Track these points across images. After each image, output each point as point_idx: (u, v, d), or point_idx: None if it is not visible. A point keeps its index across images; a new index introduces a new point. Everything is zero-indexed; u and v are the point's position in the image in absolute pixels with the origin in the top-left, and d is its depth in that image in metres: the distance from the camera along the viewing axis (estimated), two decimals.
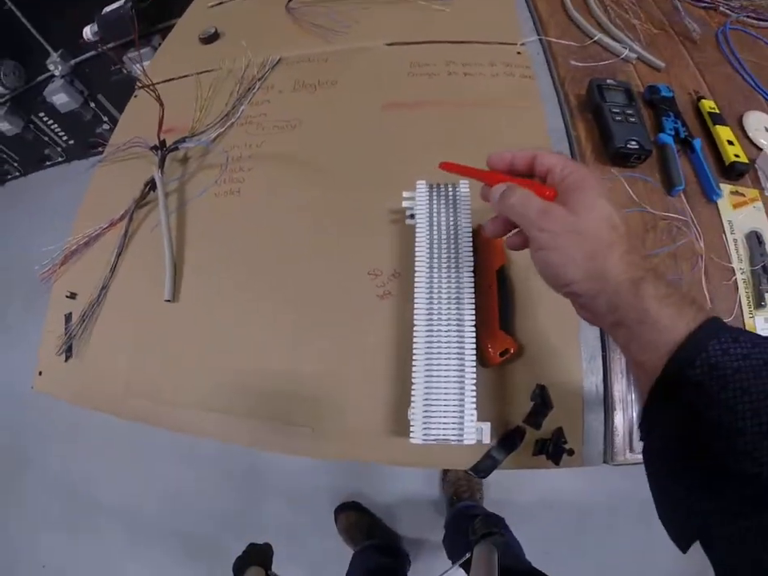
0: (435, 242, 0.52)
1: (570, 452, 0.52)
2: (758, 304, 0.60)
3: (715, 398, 0.29)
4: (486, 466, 0.51)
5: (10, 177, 2.46)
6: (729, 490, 0.28)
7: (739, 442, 0.28)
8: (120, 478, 1.66)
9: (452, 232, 0.52)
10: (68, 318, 0.68)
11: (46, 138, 2.19)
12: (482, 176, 0.44)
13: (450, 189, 0.55)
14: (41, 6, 1.67)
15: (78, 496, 1.68)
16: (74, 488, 1.69)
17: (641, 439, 0.36)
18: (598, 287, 0.35)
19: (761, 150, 0.71)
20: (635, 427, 0.53)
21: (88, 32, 1.59)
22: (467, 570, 0.79)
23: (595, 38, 0.79)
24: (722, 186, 0.66)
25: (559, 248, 0.36)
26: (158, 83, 0.84)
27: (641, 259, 0.35)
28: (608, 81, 0.70)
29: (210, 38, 0.92)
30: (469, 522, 1.12)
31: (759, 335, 0.32)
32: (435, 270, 0.50)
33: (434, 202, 0.54)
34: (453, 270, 0.50)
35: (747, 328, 0.58)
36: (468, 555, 0.78)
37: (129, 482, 1.65)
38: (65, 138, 2.18)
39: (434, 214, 0.53)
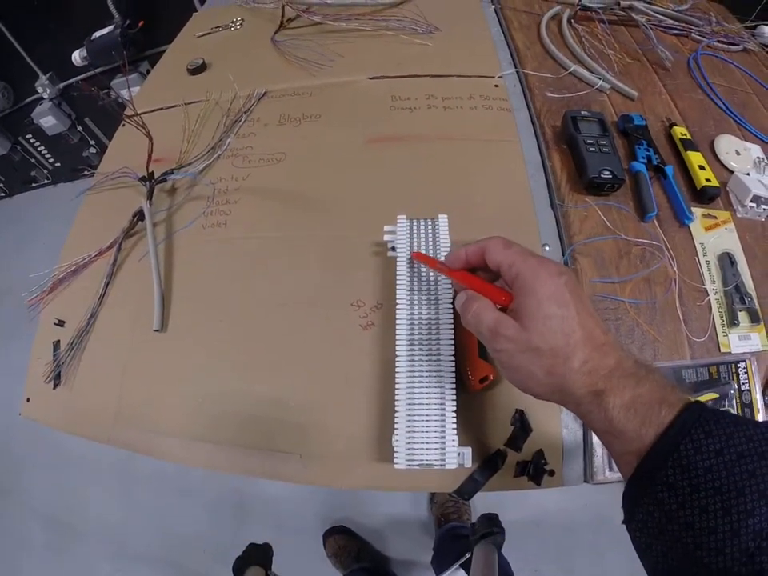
0: (415, 273, 0.53)
1: (551, 473, 0.53)
2: (731, 322, 0.61)
3: (687, 498, 0.29)
4: (469, 488, 0.52)
5: None
6: None
7: (711, 539, 0.28)
8: (105, 505, 1.64)
9: None
10: (56, 345, 0.68)
11: (33, 160, 2.19)
12: (447, 273, 0.46)
13: (430, 223, 0.57)
14: (31, 29, 1.69)
15: (61, 524, 1.65)
16: (57, 516, 1.67)
17: (623, 522, 0.35)
18: (563, 399, 0.36)
19: (731, 172, 0.74)
20: None
21: (77, 56, 1.61)
22: (467, 570, 0.79)
23: (570, 70, 0.82)
24: (694, 209, 0.67)
25: (517, 367, 0.37)
26: (145, 112, 0.87)
27: (602, 361, 0.35)
28: (582, 112, 0.72)
29: (198, 69, 0.93)
30: (457, 543, 1.12)
31: (736, 418, 0.31)
32: (416, 301, 0.52)
33: (414, 235, 0.56)
34: (432, 301, 0.52)
35: (721, 347, 0.60)
36: (468, 555, 0.78)
37: (114, 510, 1.63)
38: (51, 160, 2.19)
39: (415, 247, 0.55)
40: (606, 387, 0.34)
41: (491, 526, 0.81)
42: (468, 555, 0.79)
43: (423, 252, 0.55)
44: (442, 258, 0.51)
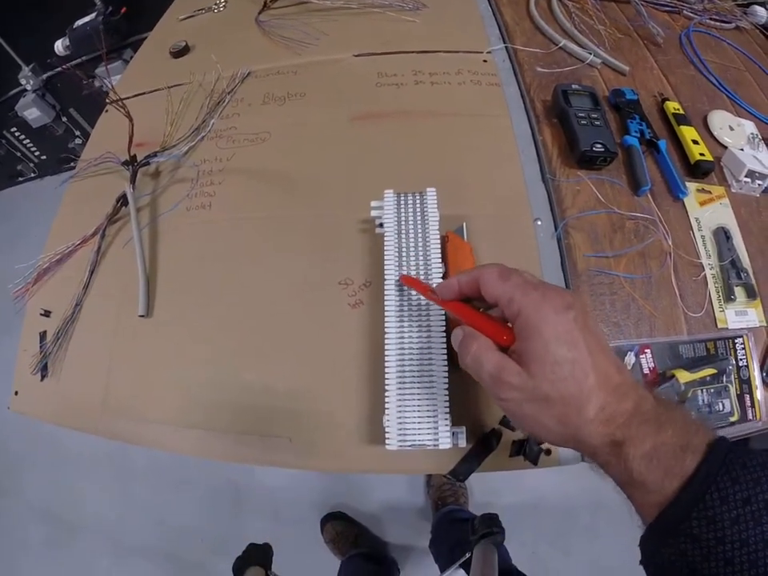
0: (404, 250, 0.52)
1: (547, 452, 0.52)
2: (728, 298, 0.61)
3: (712, 551, 0.28)
4: (463, 469, 0.52)
5: None
6: None
7: None
8: (101, 500, 1.64)
9: (420, 240, 0.52)
10: (42, 336, 0.67)
11: (19, 154, 2.16)
12: (440, 303, 0.42)
13: (418, 197, 0.55)
14: (12, 20, 1.66)
15: (59, 520, 1.64)
16: (54, 512, 1.66)
17: (640, 563, 0.33)
18: (577, 448, 0.34)
19: (725, 147, 0.74)
20: None
21: (59, 46, 1.58)
22: (467, 570, 0.79)
23: (560, 45, 0.81)
24: (688, 184, 0.67)
25: (525, 416, 0.34)
26: (129, 97, 0.85)
27: (620, 406, 0.32)
28: (573, 86, 0.71)
29: (181, 52, 0.92)
30: (455, 526, 1.12)
31: (764, 459, 0.29)
32: None
33: (402, 210, 0.55)
34: (422, 277, 0.51)
35: (718, 322, 0.60)
36: (468, 555, 0.78)
37: (111, 505, 1.63)
38: (37, 153, 2.16)
39: (402, 223, 0.54)
40: (625, 437, 0.31)
41: (491, 526, 0.80)
42: (468, 555, 0.79)
43: (411, 227, 0.53)
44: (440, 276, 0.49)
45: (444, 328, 0.49)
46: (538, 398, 0.32)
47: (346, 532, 1.41)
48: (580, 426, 0.32)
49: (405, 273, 0.51)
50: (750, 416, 0.58)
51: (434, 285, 0.47)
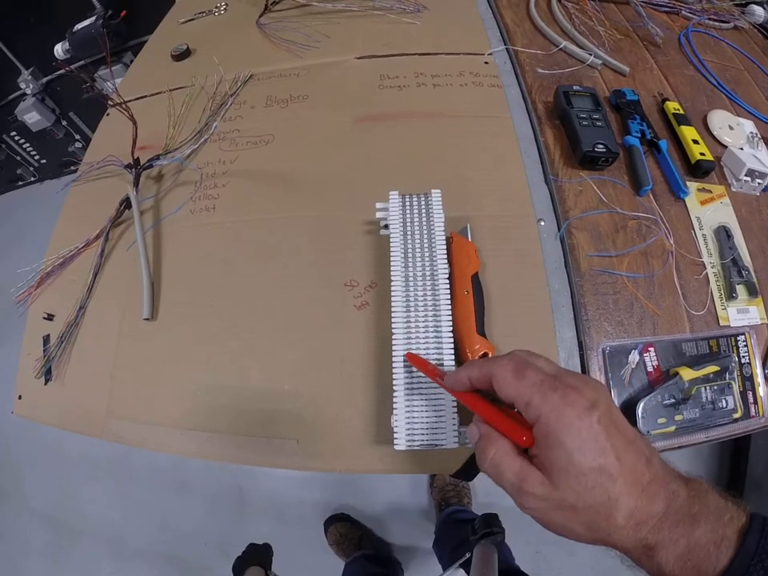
0: (410, 251, 0.53)
1: None
2: (730, 296, 0.62)
3: None
4: (470, 469, 0.52)
5: None
6: None
7: None
8: (103, 504, 1.63)
9: (426, 240, 0.53)
10: (46, 339, 0.67)
11: (18, 158, 2.16)
12: (450, 392, 0.40)
13: (423, 198, 0.56)
14: (11, 24, 1.65)
15: (61, 524, 1.64)
16: (56, 516, 1.65)
17: None
18: (608, 547, 0.33)
19: (725, 147, 0.74)
20: None
21: (59, 49, 1.58)
22: (467, 570, 0.79)
23: (561, 46, 0.81)
24: (688, 183, 0.67)
25: (551, 522, 0.32)
26: (130, 101, 0.85)
27: (650, 508, 0.30)
28: (574, 87, 0.72)
29: (182, 55, 0.92)
30: (458, 527, 1.12)
31: None
32: (411, 279, 0.51)
33: (407, 211, 0.55)
34: (428, 278, 0.51)
35: (720, 320, 0.60)
36: (468, 555, 0.78)
37: (113, 508, 1.62)
38: (37, 157, 2.16)
39: (408, 224, 0.54)
40: (658, 541, 0.30)
41: (491, 526, 0.80)
42: (468, 555, 0.79)
43: (417, 228, 0.54)
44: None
45: (451, 328, 0.49)
46: (564, 507, 0.31)
47: (350, 534, 1.41)
48: (610, 533, 0.31)
49: (411, 273, 0.51)
50: (752, 413, 0.58)
51: (446, 370, 0.46)
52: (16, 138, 2.04)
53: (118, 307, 0.66)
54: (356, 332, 0.57)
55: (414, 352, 0.48)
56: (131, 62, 1.63)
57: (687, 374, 0.55)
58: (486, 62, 0.79)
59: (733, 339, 0.60)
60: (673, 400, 0.55)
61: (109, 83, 0.91)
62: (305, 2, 0.91)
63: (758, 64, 0.93)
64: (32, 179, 2.29)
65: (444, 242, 0.53)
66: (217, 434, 0.57)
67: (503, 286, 0.58)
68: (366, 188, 0.66)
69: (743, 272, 0.63)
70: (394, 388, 0.48)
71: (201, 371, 0.60)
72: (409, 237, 0.53)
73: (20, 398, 0.66)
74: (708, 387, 0.57)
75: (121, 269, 0.68)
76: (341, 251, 0.62)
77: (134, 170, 0.72)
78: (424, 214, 0.54)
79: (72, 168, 2.14)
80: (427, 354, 0.48)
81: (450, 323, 0.49)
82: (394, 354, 0.49)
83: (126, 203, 0.71)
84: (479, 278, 0.56)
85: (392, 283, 0.51)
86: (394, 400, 0.48)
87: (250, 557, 0.84)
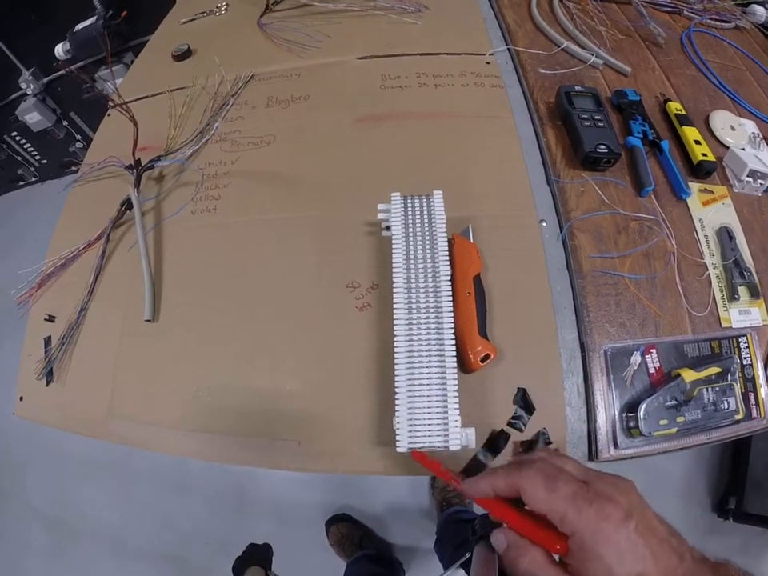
0: (411, 252, 0.53)
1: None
2: (732, 297, 0.62)
3: None
4: (472, 470, 0.52)
5: None
6: None
7: None
8: (104, 504, 1.63)
9: (428, 242, 0.53)
10: (47, 341, 0.67)
11: (19, 158, 2.16)
12: (472, 498, 0.38)
13: (425, 200, 0.56)
14: (12, 24, 1.65)
15: (61, 524, 1.64)
16: (57, 516, 1.65)
17: None
18: None
19: (727, 147, 0.74)
20: (618, 424, 0.54)
21: (60, 50, 1.58)
22: (467, 570, 0.79)
23: (562, 46, 0.81)
24: (690, 184, 0.68)
25: None
26: (131, 101, 0.85)
27: None
28: (576, 87, 0.72)
29: (183, 55, 0.92)
30: (460, 527, 1.12)
31: None
32: (413, 280, 0.51)
33: (409, 213, 0.55)
34: (430, 280, 0.51)
35: (722, 321, 0.61)
36: (468, 555, 0.78)
37: (113, 508, 1.62)
38: (38, 157, 2.16)
39: (410, 225, 0.54)
40: None
41: (491, 526, 0.80)
42: (468, 555, 0.78)
43: (419, 230, 0.54)
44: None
45: (453, 329, 0.49)
46: None
47: (351, 534, 1.41)
48: None
49: (413, 275, 0.51)
50: (754, 414, 0.58)
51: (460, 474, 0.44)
52: (17, 138, 2.04)
53: (119, 308, 0.66)
54: (358, 333, 0.57)
55: (415, 353, 0.48)
56: (132, 62, 1.63)
57: (689, 375, 0.55)
58: (488, 62, 0.79)
59: (734, 341, 0.60)
60: (675, 401, 0.55)
61: (109, 84, 0.91)
62: (306, 1, 0.91)
63: (759, 64, 0.93)
64: (33, 179, 2.29)
65: (446, 244, 0.53)
66: (219, 434, 0.57)
67: (505, 287, 0.58)
68: (367, 188, 0.66)
69: (745, 273, 0.63)
70: (396, 390, 0.48)
71: (202, 372, 0.60)
72: (411, 238, 0.53)
73: (21, 399, 0.66)
74: (710, 389, 0.57)
75: (122, 270, 0.69)
76: (342, 252, 0.63)
77: (135, 171, 0.72)
78: (426, 216, 0.54)
79: (73, 168, 2.14)
80: (429, 354, 0.48)
81: (452, 325, 0.49)
82: (396, 355, 0.49)
83: (127, 204, 0.71)
84: (481, 279, 0.56)
85: (394, 285, 0.51)
86: (396, 402, 0.48)
87: (250, 557, 0.84)
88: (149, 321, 0.63)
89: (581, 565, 0.31)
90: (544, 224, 0.63)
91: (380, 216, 0.58)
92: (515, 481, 0.34)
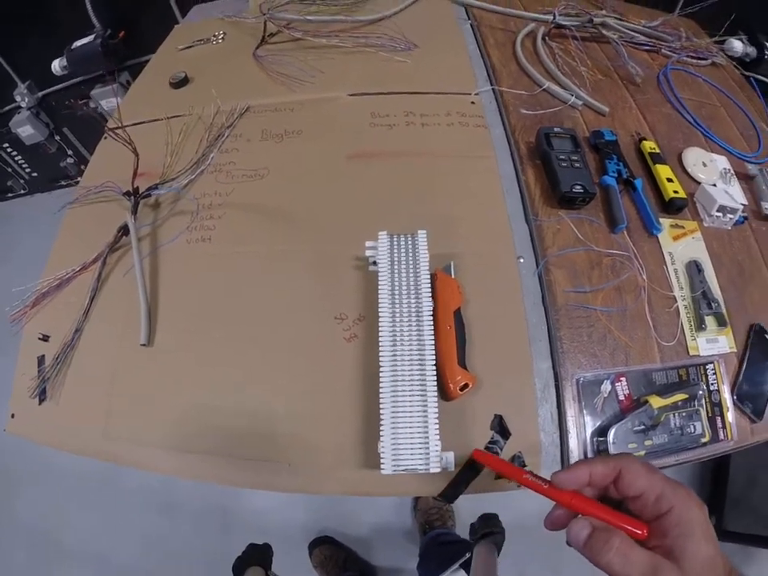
0: (396, 287, 0.56)
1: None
2: (699, 327, 0.65)
3: None
4: (452, 491, 0.54)
5: None
6: None
7: None
8: (89, 523, 1.61)
9: (412, 278, 0.56)
10: (41, 360, 0.67)
11: (10, 170, 2.15)
12: (550, 494, 0.39)
13: (410, 239, 0.59)
14: (10, 37, 1.66)
15: (47, 541, 1.61)
16: (43, 533, 1.63)
17: None
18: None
19: (699, 183, 0.77)
20: (589, 448, 0.57)
21: (56, 65, 1.59)
22: (467, 570, 0.80)
23: (544, 87, 0.85)
24: (662, 220, 0.70)
25: None
26: (128, 125, 0.86)
27: None
28: (555, 129, 0.75)
29: (180, 83, 0.94)
30: (442, 549, 1.12)
31: None
32: (397, 314, 0.55)
33: (395, 250, 0.58)
34: (414, 313, 0.54)
35: (690, 350, 0.63)
36: (468, 555, 0.79)
37: (98, 528, 1.60)
38: (28, 170, 2.15)
39: (395, 262, 0.57)
40: None
41: (491, 526, 0.81)
42: (468, 555, 0.79)
43: (404, 266, 0.57)
44: None
45: (434, 360, 0.52)
46: None
47: (335, 556, 1.40)
48: None
49: (397, 309, 0.55)
50: (721, 436, 0.61)
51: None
52: (8, 149, 2.04)
53: (114, 332, 0.67)
54: (345, 363, 0.60)
55: (399, 383, 0.51)
56: (128, 81, 1.66)
57: (656, 402, 0.58)
58: (473, 102, 0.82)
59: (702, 368, 0.63)
60: (643, 426, 0.58)
61: (103, 107, 0.91)
62: (300, 36, 0.94)
63: (733, 99, 0.97)
64: (22, 191, 2.28)
65: (429, 280, 0.56)
66: (210, 455, 0.59)
67: (484, 320, 0.61)
68: (356, 223, 0.69)
69: (713, 304, 0.66)
70: (381, 416, 0.51)
71: (196, 396, 0.62)
72: (396, 274, 0.57)
73: (12, 416, 0.66)
74: (677, 414, 0.60)
75: (118, 293, 0.70)
76: (332, 285, 0.65)
77: (132, 197, 0.74)
78: (410, 253, 0.58)
79: (62, 183, 2.15)
80: (412, 383, 0.51)
81: (434, 356, 0.52)
82: (381, 384, 0.52)
83: (124, 230, 0.72)
84: (461, 312, 0.59)
85: (380, 318, 0.54)
86: (381, 427, 0.51)
87: (250, 557, 0.83)
88: (144, 345, 0.64)
89: (675, 541, 0.33)
90: (521, 260, 0.65)
91: (368, 252, 0.61)
92: (617, 464, 0.37)
